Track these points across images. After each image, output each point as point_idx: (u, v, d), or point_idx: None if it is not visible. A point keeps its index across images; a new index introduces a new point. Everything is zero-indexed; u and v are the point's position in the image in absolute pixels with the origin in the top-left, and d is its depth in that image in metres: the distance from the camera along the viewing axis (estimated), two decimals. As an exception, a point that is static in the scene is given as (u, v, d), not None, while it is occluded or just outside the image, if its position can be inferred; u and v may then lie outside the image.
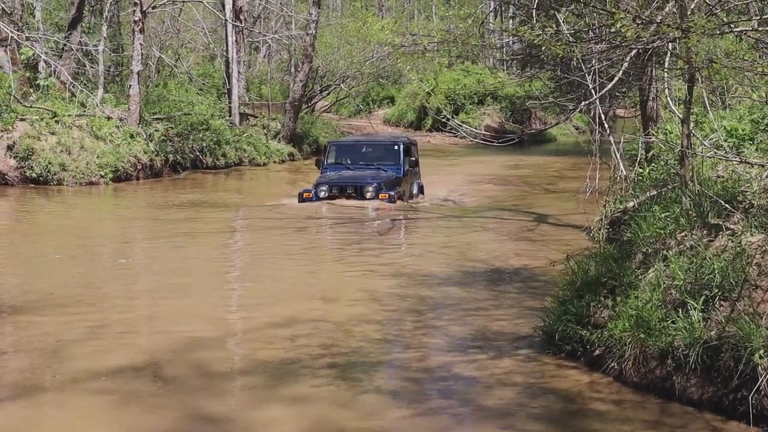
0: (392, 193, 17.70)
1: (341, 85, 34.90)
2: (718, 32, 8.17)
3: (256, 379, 7.18)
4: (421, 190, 19.40)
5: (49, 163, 20.22)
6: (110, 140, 21.81)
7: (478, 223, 16.28)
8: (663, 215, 8.04)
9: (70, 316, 9.10)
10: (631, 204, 11.30)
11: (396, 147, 19.00)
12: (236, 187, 22.44)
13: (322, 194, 17.73)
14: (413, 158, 19.08)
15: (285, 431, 6.06)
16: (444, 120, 29.53)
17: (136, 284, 11.02)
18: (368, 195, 17.64)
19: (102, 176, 20.66)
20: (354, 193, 17.74)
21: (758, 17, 7.95)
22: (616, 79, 10.95)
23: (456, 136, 30.50)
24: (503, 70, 39.27)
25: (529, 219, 16.26)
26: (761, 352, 5.94)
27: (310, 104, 33.05)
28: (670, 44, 9.84)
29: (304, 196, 17.81)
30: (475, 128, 26.54)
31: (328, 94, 36.24)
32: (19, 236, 14.64)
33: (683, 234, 7.55)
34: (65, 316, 9.06)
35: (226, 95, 28.09)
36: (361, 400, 6.64)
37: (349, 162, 19.15)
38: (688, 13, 8.53)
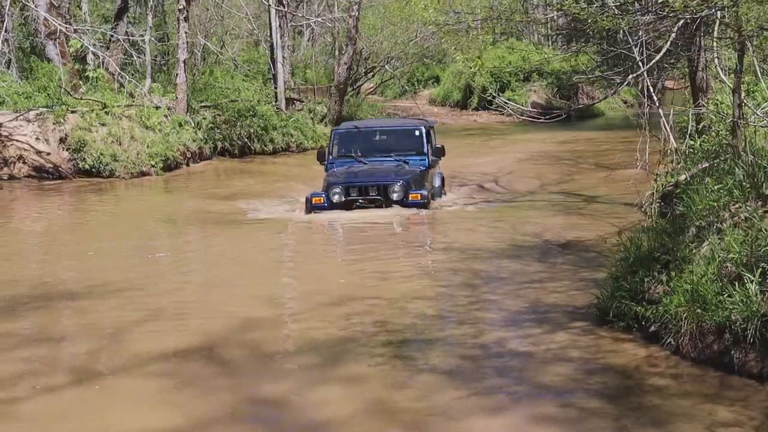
0: (424, 192, 14.46)
1: (386, 66, 34.86)
2: (769, -1, 8.03)
3: (312, 359, 7.24)
4: (443, 182, 16.15)
5: (101, 154, 20.46)
6: (159, 129, 21.96)
7: (528, 199, 16.18)
8: (716, 187, 7.93)
9: (124, 300, 9.29)
10: (682, 177, 11.18)
11: (417, 132, 15.70)
12: (273, 181, 20.31)
13: (336, 198, 14.33)
14: (438, 146, 15.85)
15: (341, 412, 6.09)
16: (490, 98, 29.37)
17: (185, 273, 11.14)
18: (395, 196, 14.28)
19: (153, 165, 20.88)
20: (378, 195, 14.44)
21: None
22: (663, 50, 10.79)
23: (503, 114, 30.41)
24: (548, 46, 38.93)
25: (580, 194, 16.13)
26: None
27: (355, 87, 33.06)
28: (718, 13, 9.69)
29: (314, 201, 14.39)
30: (522, 105, 26.40)
31: (373, 75, 36.20)
32: (71, 230, 14.84)
33: (737, 206, 7.46)
34: (120, 302, 9.25)
35: (272, 81, 28.16)
36: (416, 380, 6.66)
37: (360, 153, 15.68)
38: (738, -20, 8.38)
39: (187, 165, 22.06)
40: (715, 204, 7.68)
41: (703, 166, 9.92)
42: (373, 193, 14.44)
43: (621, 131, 23.55)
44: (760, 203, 7.31)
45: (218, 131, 23.78)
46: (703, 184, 8.37)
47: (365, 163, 15.41)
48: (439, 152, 15.65)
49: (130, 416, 6.21)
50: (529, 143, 25.36)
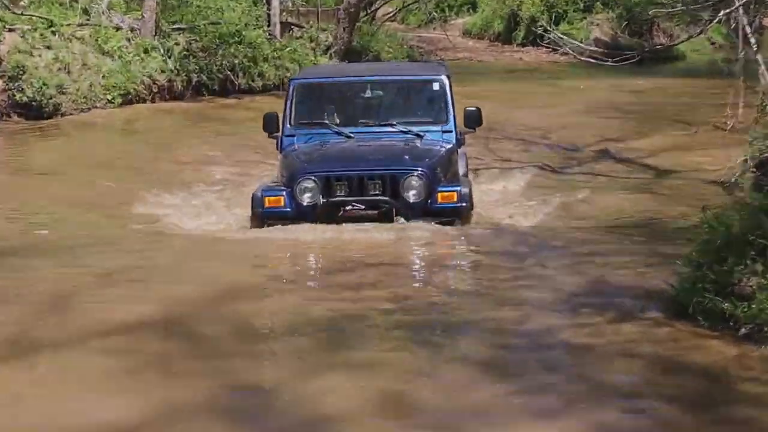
0: (462, 189, 10.97)
1: (410, -14, 34.97)
2: None
3: (309, 340, 7.36)
4: (467, 165, 12.51)
5: (44, 84, 20.43)
6: (119, 56, 22.06)
7: (586, 161, 16.19)
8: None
9: (71, 259, 9.49)
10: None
11: (437, 85, 11.96)
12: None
13: (307, 198, 10.65)
14: (472, 108, 11.73)
15: (344, 407, 6.12)
16: (541, 31, 29.38)
17: (149, 229, 11.21)
18: (411, 194, 10.68)
19: (109, 101, 20.96)
20: (383, 194, 10.74)
21: None
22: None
23: (557, 53, 30.35)
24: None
25: (654, 158, 16.04)
26: None
27: (369, 11, 33.05)
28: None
29: (268, 204, 10.71)
30: (581, 42, 26.35)
31: (393, -3, 36.31)
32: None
33: None
34: (66, 260, 9.44)
35: (264, 0, 28.24)
36: (442, 372, 6.73)
37: (339, 121, 11.92)
38: None
39: (153, 102, 22.06)
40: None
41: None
42: (374, 191, 10.74)
43: (707, 80, 23.59)
44: None
45: (194, 61, 23.77)
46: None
47: (350, 137, 11.66)
48: (474, 120, 11.73)
49: (77, 405, 6.21)
50: (589, 91, 25.39)
